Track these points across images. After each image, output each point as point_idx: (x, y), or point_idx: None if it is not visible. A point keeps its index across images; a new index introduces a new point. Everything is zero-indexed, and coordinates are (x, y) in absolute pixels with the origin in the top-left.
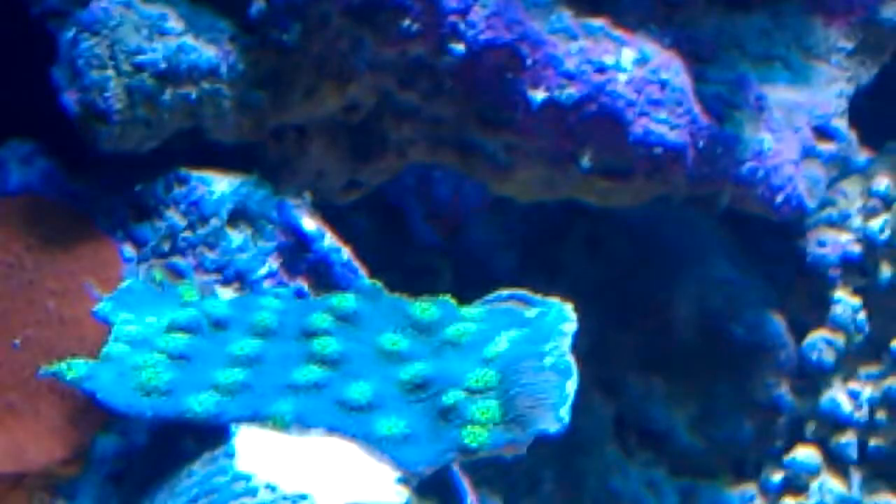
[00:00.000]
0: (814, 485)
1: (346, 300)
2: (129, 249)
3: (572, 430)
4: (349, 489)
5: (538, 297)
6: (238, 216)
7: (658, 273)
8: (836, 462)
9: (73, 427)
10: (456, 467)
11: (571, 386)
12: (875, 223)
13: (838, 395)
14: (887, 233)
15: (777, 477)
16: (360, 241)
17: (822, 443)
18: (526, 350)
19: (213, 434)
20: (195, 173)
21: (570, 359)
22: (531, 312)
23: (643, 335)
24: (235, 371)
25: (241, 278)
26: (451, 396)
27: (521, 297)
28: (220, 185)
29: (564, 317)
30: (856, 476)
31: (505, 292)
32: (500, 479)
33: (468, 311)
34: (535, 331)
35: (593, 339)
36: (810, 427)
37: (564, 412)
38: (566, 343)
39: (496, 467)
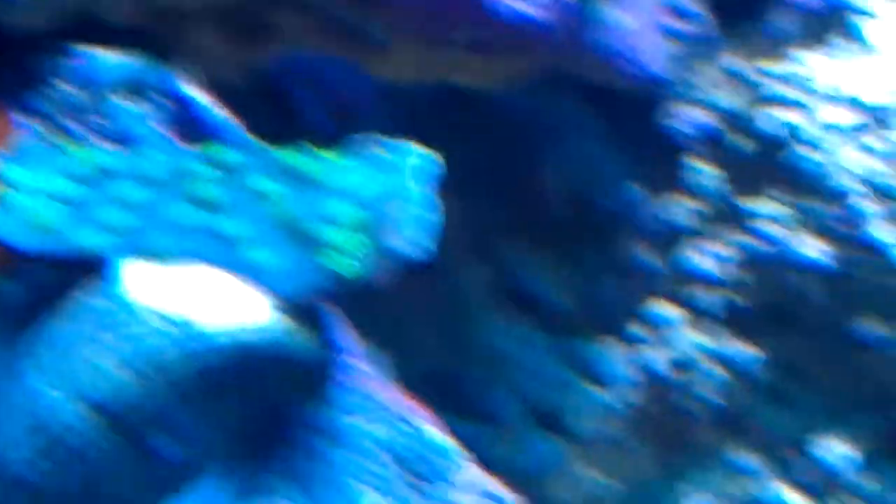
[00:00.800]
0: (674, 337)
1: (224, 151)
2: (23, 119)
3: (453, 295)
4: (227, 314)
5: (399, 141)
6: (127, 87)
7: (528, 150)
8: (695, 316)
9: None
10: (334, 312)
11: (432, 217)
12: (728, 97)
13: (697, 256)
14: (741, 106)
15: (640, 332)
16: (249, 125)
17: (681, 299)
18: (390, 187)
19: (101, 269)
20: (87, 50)
21: (431, 193)
22: (392, 155)
23: (516, 208)
24: (122, 214)
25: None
26: (320, 231)
27: (382, 142)
28: (111, 60)
29: (423, 157)
30: (713, 329)
31: (367, 137)
32: (384, 336)
33: (334, 155)
34: (397, 171)
35: (470, 213)
36: (670, 285)
37: (426, 240)
38: (426, 180)
39: (382, 326)
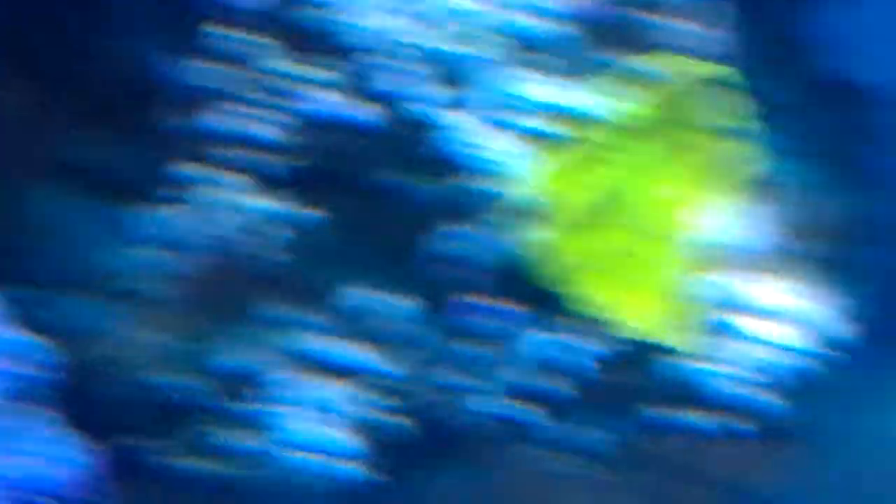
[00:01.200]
0: (217, 198)
1: None
2: None
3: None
4: None
5: None
6: None
7: (72, 28)
8: (236, 176)
9: None
10: None
11: None
12: None
13: (219, 118)
14: None
15: (183, 195)
16: None
17: (222, 161)
18: None
19: None
20: None
21: None
22: None
23: (62, 84)
24: None
25: None
26: None
27: None
28: None
29: None
30: (256, 188)
31: None
32: None
33: None
34: None
35: (24, 93)
36: (210, 148)
37: None
38: None
39: None
